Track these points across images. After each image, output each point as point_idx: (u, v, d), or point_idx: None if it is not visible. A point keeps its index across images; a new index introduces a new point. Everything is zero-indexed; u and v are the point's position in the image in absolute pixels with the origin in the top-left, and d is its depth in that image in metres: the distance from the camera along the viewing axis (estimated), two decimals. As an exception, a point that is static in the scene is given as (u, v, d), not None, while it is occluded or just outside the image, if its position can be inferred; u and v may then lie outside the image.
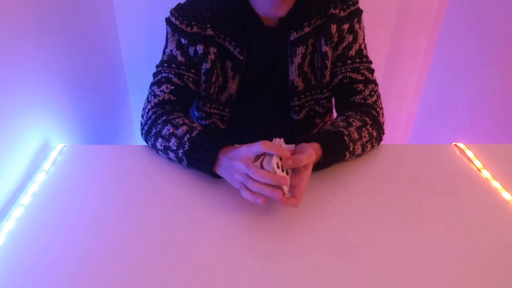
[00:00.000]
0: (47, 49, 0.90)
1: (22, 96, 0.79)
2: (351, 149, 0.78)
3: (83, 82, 1.10)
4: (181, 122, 0.79)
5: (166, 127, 0.78)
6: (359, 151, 0.80)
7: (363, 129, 0.81)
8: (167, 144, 0.77)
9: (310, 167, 0.68)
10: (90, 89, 1.15)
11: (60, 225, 0.66)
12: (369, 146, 0.83)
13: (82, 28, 1.11)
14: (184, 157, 0.75)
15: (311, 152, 0.68)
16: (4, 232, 0.64)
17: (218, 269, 0.59)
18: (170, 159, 0.80)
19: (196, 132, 0.75)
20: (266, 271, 0.59)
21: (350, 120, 0.81)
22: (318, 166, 0.75)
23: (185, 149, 0.74)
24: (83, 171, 0.80)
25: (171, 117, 0.80)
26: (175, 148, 0.76)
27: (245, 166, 0.64)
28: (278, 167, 0.64)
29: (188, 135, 0.75)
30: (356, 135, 0.79)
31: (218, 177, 0.74)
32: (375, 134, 0.83)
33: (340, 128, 0.78)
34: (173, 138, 0.76)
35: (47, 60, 0.89)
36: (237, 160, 0.66)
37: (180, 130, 0.76)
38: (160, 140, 0.79)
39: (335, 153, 0.76)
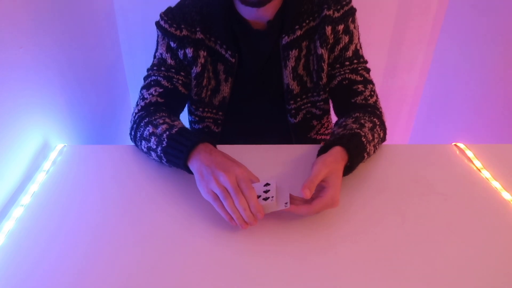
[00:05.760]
0: (47, 49, 0.90)
1: (22, 96, 0.79)
2: (368, 150, 0.76)
3: (83, 82, 1.10)
4: (161, 121, 0.77)
5: (147, 128, 0.77)
6: (372, 152, 0.79)
7: (374, 130, 0.80)
8: (149, 144, 0.76)
9: (334, 178, 0.66)
10: (90, 89, 1.15)
11: (60, 225, 0.66)
12: (378, 147, 0.83)
13: (82, 28, 1.11)
14: (162, 154, 0.74)
15: (318, 168, 0.66)
16: (4, 232, 0.64)
17: (219, 269, 0.59)
18: (154, 160, 0.79)
19: (176, 129, 0.74)
20: (265, 271, 0.59)
21: (362, 122, 0.80)
22: (345, 171, 0.71)
23: (163, 145, 0.73)
24: (83, 171, 0.80)
25: (153, 118, 0.79)
26: (154, 146, 0.75)
27: (235, 184, 0.62)
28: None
29: (167, 132, 0.73)
30: (370, 136, 0.77)
31: (191, 172, 0.70)
32: (381, 135, 0.83)
33: (355, 130, 0.76)
34: (153, 137, 0.75)
35: (47, 59, 0.89)
36: (227, 173, 0.63)
37: (159, 129, 0.75)
38: (143, 142, 0.78)
39: (358, 155, 0.74)
